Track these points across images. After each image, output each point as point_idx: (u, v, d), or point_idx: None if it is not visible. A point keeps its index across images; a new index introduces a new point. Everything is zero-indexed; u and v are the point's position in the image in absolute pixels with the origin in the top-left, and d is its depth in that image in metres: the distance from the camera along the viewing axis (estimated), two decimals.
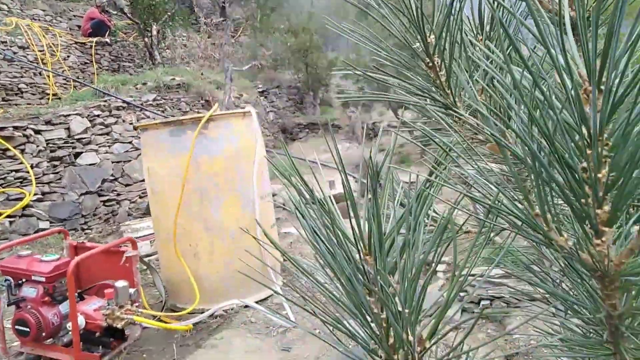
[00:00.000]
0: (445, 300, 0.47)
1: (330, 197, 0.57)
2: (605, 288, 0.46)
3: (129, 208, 5.85)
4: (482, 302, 3.48)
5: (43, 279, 2.72)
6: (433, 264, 0.56)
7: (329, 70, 12.02)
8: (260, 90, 10.42)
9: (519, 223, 0.47)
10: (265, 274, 3.46)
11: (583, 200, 0.44)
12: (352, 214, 0.52)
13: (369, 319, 0.55)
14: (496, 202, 0.46)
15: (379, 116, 12.55)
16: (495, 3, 0.71)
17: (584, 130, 0.44)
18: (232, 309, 3.28)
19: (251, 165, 3.38)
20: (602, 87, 0.42)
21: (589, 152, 0.43)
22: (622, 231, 0.45)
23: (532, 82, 0.44)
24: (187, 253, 3.24)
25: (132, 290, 2.79)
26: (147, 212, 5.73)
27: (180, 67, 8.93)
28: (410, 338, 0.48)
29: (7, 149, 4.74)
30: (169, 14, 9.31)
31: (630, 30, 0.40)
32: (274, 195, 5.47)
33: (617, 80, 0.41)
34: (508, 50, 0.61)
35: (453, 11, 0.79)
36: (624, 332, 0.49)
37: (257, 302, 3.23)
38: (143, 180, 6.07)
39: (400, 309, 0.49)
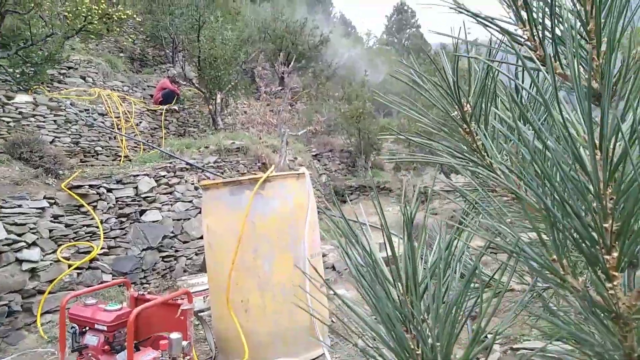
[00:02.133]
0: (474, 332, 0.53)
1: (372, 246, 0.65)
2: (621, 330, 0.51)
3: (185, 264, 6.09)
4: None
5: (105, 328, 2.88)
6: (466, 312, 0.62)
7: (380, 135, 12.30)
8: (314, 153, 10.79)
9: (538, 268, 0.53)
10: (314, 334, 3.46)
11: (593, 248, 0.50)
12: (391, 258, 0.60)
13: (406, 354, 0.61)
14: (517, 247, 0.53)
15: (430, 180, 12.51)
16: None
17: (590, 187, 0.51)
18: None
19: (303, 225, 3.50)
20: (602, 150, 0.50)
21: (595, 205, 0.50)
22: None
23: (544, 147, 0.53)
24: (238, 308, 3.33)
25: (184, 343, 2.87)
26: (201, 269, 5.94)
27: (240, 132, 9.50)
28: None
29: (82, 205, 5.17)
30: (233, 84, 10.07)
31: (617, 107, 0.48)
32: (323, 255, 5.53)
33: (612, 147, 0.49)
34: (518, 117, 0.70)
35: (487, 83, 0.90)
36: None
37: None
38: (200, 238, 6.35)
39: (432, 342, 0.55)
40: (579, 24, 0.77)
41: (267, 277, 3.35)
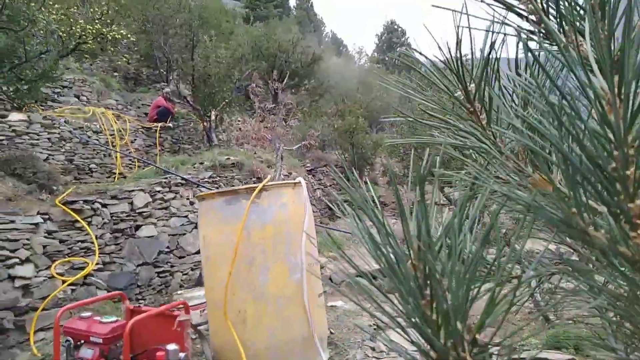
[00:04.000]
0: (491, 293, 0.52)
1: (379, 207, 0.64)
2: None
3: (181, 280, 6.01)
4: None
5: (100, 340, 2.82)
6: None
7: (374, 149, 12.34)
8: (308, 168, 10.79)
9: (558, 221, 0.52)
10: (313, 345, 3.40)
11: (615, 198, 0.49)
12: (402, 219, 0.59)
13: (420, 320, 0.59)
14: (534, 201, 0.52)
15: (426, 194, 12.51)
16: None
17: (610, 135, 0.50)
18: None
19: (300, 234, 3.47)
20: (622, 97, 0.49)
21: (616, 153, 0.49)
22: None
23: (560, 97, 0.52)
24: (235, 320, 3.27)
25: (182, 355, 2.81)
26: (198, 284, 5.85)
27: (235, 148, 9.50)
28: (460, 326, 0.52)
29: (77, 221, 5.11)
30: (227, 101, 10.10)
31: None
32: (321, 267, 5.48)
33: (633, 91, 0.48)
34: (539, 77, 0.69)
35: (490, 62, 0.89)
36: None
37: None
38: (196, 253, 6.28)
39: (449, 303, 0.54)
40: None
41: (263, 287, 3.30)
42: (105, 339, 2.81)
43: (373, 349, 3.66)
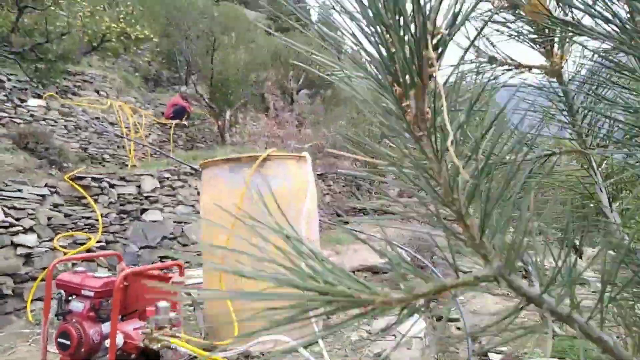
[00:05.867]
0: None
1: None
2: None
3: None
4: None
5: (92, 294, 2.78)
6: None
7: None
8: (319, 173, 10.76)
9: None
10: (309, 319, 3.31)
11: None
12: None
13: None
14: None
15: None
16: None
17: None
18: (269, 353, 3.12)
19: (301, 208, 3.42)
20: None
21: None
22: None
23: None
24: (231, 287, 3.21)
25: (172, 314, 2.76)
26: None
27: (247, 147, 9.54)
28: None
29: (83, 197, 5.14)
30: (242, 101, 10.22)
31: None
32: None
33: None
34: None
35: None
36: None
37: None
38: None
39: None
40: None
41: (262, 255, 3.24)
42: (97, 292, 2.77)
43: (369, 332, 3.56)
